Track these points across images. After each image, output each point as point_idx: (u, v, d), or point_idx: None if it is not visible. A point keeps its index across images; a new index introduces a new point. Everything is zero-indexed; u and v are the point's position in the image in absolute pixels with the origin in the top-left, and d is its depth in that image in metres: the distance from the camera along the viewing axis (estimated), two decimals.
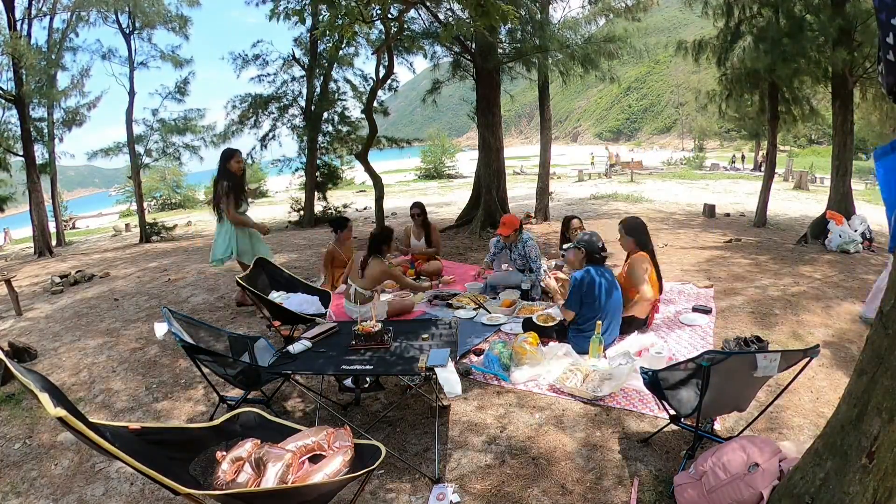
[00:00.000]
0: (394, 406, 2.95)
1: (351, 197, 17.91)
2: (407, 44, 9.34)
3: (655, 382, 2.30)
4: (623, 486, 2.22)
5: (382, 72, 8.73)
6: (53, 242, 13.40)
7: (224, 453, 1.89)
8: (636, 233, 3.93)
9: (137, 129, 13.45)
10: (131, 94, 13.31)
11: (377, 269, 4.34)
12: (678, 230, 8.69)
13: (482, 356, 3.49)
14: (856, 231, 6.92)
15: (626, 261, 4.03)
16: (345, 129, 13.74)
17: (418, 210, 5.98)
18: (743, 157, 31.08)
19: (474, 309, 4.45)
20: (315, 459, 1.93)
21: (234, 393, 3.05)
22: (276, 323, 4.09)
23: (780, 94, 8.96)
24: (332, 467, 1.82)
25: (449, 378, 2.29)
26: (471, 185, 12.28)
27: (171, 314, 2.79)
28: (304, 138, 13.33)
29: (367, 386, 3.15)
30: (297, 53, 12.83)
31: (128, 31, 13.03)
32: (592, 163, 31.63)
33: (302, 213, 13.48)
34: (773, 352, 2.03)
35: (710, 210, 10.73)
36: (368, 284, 4.33)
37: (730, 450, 1.94)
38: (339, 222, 5.44)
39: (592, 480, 2.27)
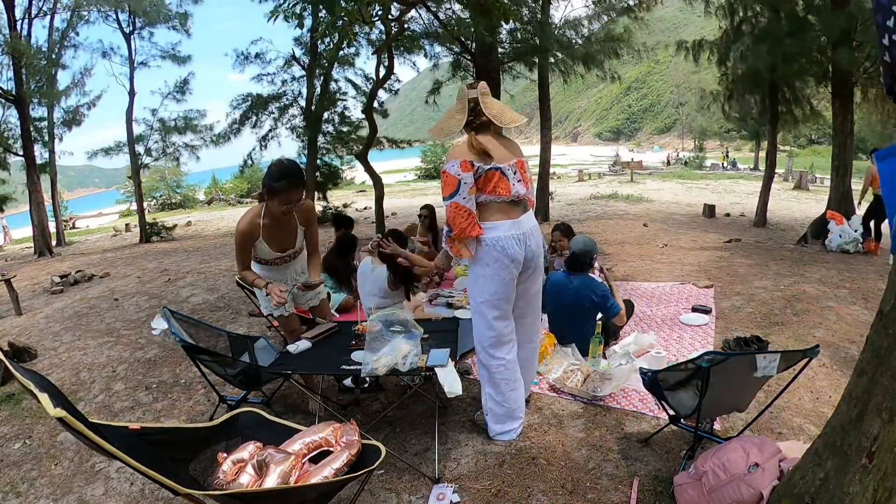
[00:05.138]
0: (394, 406, 2.95)
1: (351, 197, 17.92)
2: (407, 44, 9.34)
3: (655, 383, 2.30)
4: (623, 486, 2.22)
5: (383, 72, 8.74)
6: (53, 242, 13.40)
7: (225, 455, 1.89)
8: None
9: (137, 129, 13.46)
10: (131, 93, 13.32)
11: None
12: (678, 230, 8.69)
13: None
14: (856, 231, 6.92)
15: None
16: (345, 129, 13.73)
17: (427, 212, 5.91)
18: (734, 160, 30.84)
19: None
20: (320, 457, 1.93)
21: (234, 393, 3.05)
22: (276, 323, 4.09)
23: (781, 95, 8.96)
24: (334, 466, 1.82)
25: (449, 378, 2.29)
26: None
27: (170, 314, 2.79)
28: (305, 138, 13.33)
29: (366, 386, 3.15)
30: (298, 53, 12.82)
31: (128, 31, 13.04)
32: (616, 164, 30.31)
33: None
34: (773, 352, 2.03)
35: (710, 210, 10.74)
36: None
37: (730, 450, 1.94)
38: (347, 221, 5.40)
39: (592, 480, 2.27)
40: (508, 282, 2.44)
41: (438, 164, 34.90)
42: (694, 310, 4.29)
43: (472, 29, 6.76)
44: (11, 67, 11.40)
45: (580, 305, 3.38)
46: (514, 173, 2.43)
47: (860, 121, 11.47)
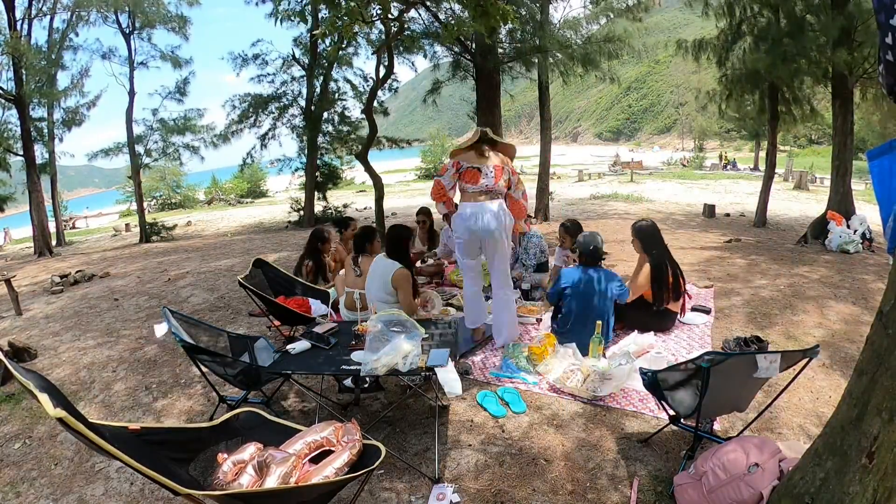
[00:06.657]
0: (394, 406, 2.95)
1: (351, 197, 17.92)
2: (407, 44, 9.34)
3: (655, 383, 2.30)
4: (622, 486, 2.22)
5: (382, 72, 8.74)
6: (53, 242, 13.41)
7: (225, 455, 1.89)
8: (640, 236, 3.93)
9: (137, 129, 13.48)
10: (131, 94, 13.33)
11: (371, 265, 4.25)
12: (678, 230, 8.69)
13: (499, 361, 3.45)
14: (855, 231, 6.92)
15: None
16: (345, 129, 13.75)
17: (424, 217, 5.90)
18: (734, 160, 30.74)
19: None
20: (321, 457, 1.93)
21: (234, 392, 3.05)
22: (276, 323, 4.09)
23: (781, 95, 8.96)
24: (335, 466, 1.82)
25: (449, 378, 2.29)
26: None
27: (170, 314, 2.79)
28: (304, 138, 13.34)
29: (366, 386, 3.14)
30: (297, 53, 12.84)
31: (128, 31, 13.06)
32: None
33: (302, 212, 13.49)
34: (773, 353, 2.03)
35: (709, 210, 10.75)
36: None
37: (729, 450, 1.94)
38: (342, 222, 5.48)
39: (592, 480, 2.27)
40: (469, 241, 3.47)
41: (438, 164, 35.10)
42: (694, 310, 4.28)
43: (472, 29, 6.76)
44: (11, 67, 11.41)
45: (606, 296, 3.53)
46: (490, 173, 3.44)
47: (860, 121, 11.50)
